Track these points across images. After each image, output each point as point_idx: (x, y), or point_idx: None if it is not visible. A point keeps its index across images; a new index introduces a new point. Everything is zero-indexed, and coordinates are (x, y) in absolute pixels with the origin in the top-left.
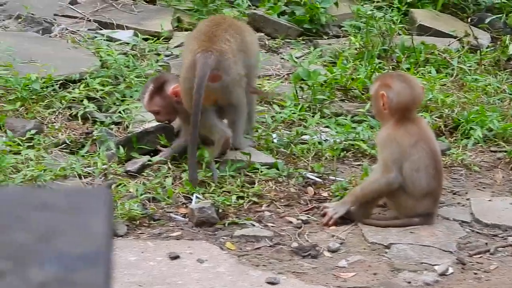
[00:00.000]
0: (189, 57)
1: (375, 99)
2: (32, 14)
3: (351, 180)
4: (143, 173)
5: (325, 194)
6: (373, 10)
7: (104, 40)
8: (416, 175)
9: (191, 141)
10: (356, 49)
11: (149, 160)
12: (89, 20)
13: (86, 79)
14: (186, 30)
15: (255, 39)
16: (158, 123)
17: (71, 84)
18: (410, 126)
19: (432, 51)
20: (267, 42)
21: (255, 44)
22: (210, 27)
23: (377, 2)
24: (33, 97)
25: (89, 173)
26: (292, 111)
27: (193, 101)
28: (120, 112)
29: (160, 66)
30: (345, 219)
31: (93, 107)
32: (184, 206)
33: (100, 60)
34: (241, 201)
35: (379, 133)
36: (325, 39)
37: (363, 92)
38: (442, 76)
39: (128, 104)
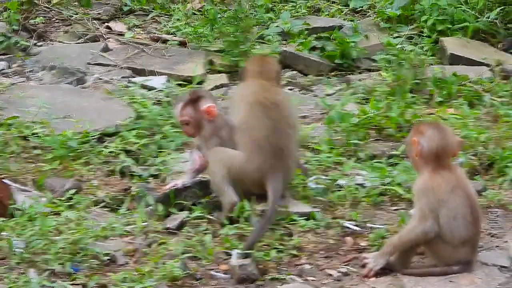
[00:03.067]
0: None
1: (409, 146)
2: (65, 64)
3: (388, 228)
4: (182, 230)
5: (363, 243)
6: (402, 43)
7: (137, 88)
8: (454, 223)
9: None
10: (388, 84)
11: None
12: (122, 68)
13: (122, 131)
14: (219, 72)
15: None
16: (194, 179)
17: (107, 138)
18: (446, 173)
19: (464, 82)
20: (299, 80)
21: None
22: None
23: (407, 32)
24: (71, 154)
25: (129, 231)
26: (327, 156)
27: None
28: (157, 165)
29: None
30: (385, 269)
31: (131, 161)
32: (225, 262)
33: (135, 111)
34: (280, 254)
35: (416, 182)
36: (357, 73)
37: (397, 131)
38: (475, 111)
39: (164, 156)
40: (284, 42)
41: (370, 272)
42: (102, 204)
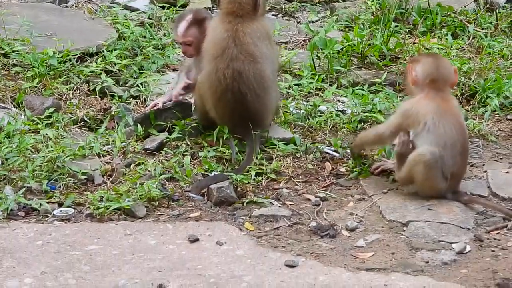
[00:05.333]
0: None
1: (406, 74)
2: None
3: (367, 154)
4: (161, 151)
5: (342, 169)
6: None
7: (120, 9)
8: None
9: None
10: (372, 13)
11: (167, 137)
12: None
13: (103, 52)
14: None
15: None
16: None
17: (88, 58)
18: (438, 100)
19: (448, 13)
20: (283, 6)
21: None
22: None
23: None
24: (51, 72)
25: (107, 151)
26: (309, 82)
27: None
28: (138, 86)
29: None
30: (364, 199)
31: (111, 82)
32: None
33: (117, 32)
34: (259, 178)
35: (403, 102)
36: (341, 1)
37: (379, 59)
38: (458, 42)
39: (145, 77)
40: None
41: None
42: (81, 123)
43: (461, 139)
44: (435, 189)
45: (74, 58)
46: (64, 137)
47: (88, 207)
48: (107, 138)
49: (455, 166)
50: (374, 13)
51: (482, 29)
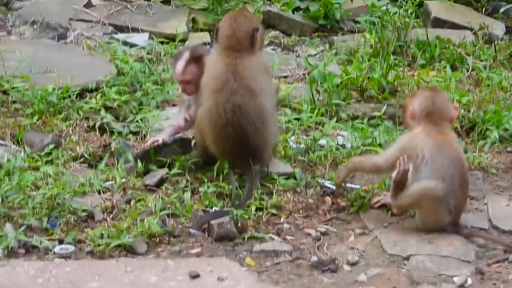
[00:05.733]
0: None
1: (405, 108)
2: (47, 20)
3: (367, 189)
4: (161, 187)
5: (342, 203)
6: (387, 5)
7: (119, 45)
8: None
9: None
10: (371, 46)
11: (167, 173)
12: (104, 24)
13: (103, 88)
14: (202, 30)
15: None
16: (174, 136)
17: (87, 94)
18: (435, 135)
19: (447, 45)
20: (282, 40)
21: None
22: None
23: None
24: (51, 109)
25: (108, 188)
26: (309, 116)
27: None
28: (137, 122)
29: None
30: (365, 233)
31: (111, 118)
32: None
33: (116, 68)
34: (259, 213)
35: (402, 136)
36: (340, 35)
37: (379, 92)
38: (458, 74)
39: (145, 113)
40: (268, 2)
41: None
42: (81, 160)
43: (459, 172)
44: (439, 223)
45: (73, 94)
46: (64, 174)
47: (89, 244)
48: (107, 175)
49: (455, 199)
50: (373, 46)
51: (481, 61)
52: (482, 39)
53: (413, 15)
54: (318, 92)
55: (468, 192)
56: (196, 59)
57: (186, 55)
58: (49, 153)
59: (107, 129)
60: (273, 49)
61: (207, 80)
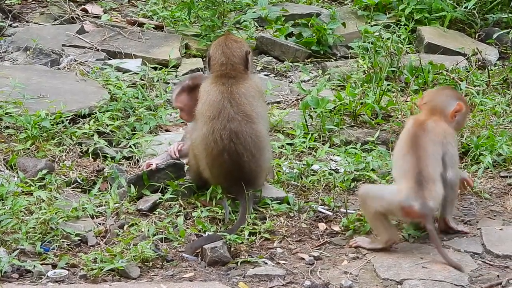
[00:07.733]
0: None
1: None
2: (40, 46)
3: (361, 213)
4: (154, 212)
5: (336, 228)
6: (380, 31)
7: (112, 71)
8: None
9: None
10: (364, 71)
11: (160, 198)
12: (97, 50)
13: (96, 113)
14: (194, 56)
15: None
16: (168, 161)
17: (81, 119)
18: None
19: (440, 71)
20: (275, 66)
21: None
22: None
23: (384, 20)
24: (44, 134)
25: (101, 212)
26: (302, 141)
27: None
28: (130, 147)
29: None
30: (358, 258)
31: (104, 143)
32: None
33: (109, 93)
34: (253, 237)
35: None
36: (333, 60)
37: (372, 118)
38: None
39: (138, 138)
40: (261, 28)
41: None
42: (74, 185)
43: None
44: None
45: (66, 120)
46: (57, 199)
47: (82, 269)
48: (100, 199)
49: None
50: (366, 72)
51: (474, 86)
52: (475, 65)
53: (406, 40)
54: (311, 117)
55: None
56: (191, 88)
57: (185, 83)
58: (42, 178)
59: (100, 154)
60: (266, 75)
61: (202, 108)
